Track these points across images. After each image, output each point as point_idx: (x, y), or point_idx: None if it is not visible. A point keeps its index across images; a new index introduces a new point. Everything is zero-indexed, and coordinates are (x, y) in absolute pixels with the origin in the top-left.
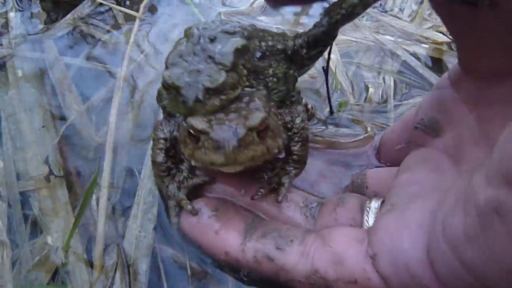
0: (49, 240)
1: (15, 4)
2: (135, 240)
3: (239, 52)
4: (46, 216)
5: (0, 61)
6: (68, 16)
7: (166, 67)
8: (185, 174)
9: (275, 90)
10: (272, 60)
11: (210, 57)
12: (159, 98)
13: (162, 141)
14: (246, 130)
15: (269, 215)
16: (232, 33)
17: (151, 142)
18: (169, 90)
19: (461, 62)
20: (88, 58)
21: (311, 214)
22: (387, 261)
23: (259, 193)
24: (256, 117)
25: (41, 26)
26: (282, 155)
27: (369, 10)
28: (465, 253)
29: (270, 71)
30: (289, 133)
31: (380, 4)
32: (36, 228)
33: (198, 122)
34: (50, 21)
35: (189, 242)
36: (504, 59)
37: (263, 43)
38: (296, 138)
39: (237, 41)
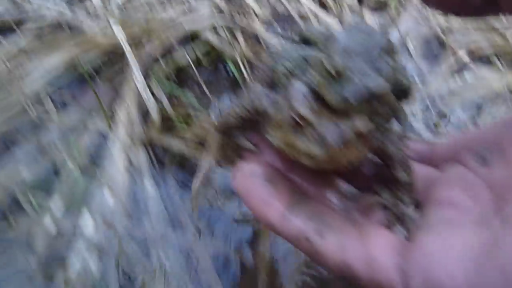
0: None
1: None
2: None
3: None
4: None
5: None
6: None
7: None
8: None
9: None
10: None
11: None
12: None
13: (246, 111)
14: (353, 133)
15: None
16: None
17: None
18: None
19: None
20: None
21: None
22: (419, 284)
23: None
24: (365, 125)
25: None
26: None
27: None
28: None
29: None
30: (384, 158)
31: None
32: None
33: (304, 109)
34: None
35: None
36: None
37: None
38: (397, 164)
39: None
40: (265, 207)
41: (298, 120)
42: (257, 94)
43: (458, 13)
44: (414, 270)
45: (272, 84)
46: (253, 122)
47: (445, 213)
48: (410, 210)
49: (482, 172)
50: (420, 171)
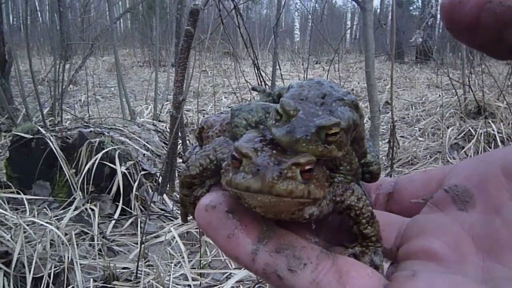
0: None
1: None
2: None
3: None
4: None
5: None
6: None
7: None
8: (205, 189)
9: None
10: None
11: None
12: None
13: (208, 160)
14: (290, 164)
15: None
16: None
17: (196, 149)
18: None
19: None
20: None
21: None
22: None
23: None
24: (304, 156)
25: None
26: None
27: None
28: None
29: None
30: (351, 215)
31: None
32: None
33: (245, 146)
34: None
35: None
36: None
37: None
38: (364, 220)
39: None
40: (232, 243)
41: (239, 158)
42: (220, 143)
43: (494, 53)
44: None
45: (233, 137)
46: (216, 173)
47: (429, 265)
48: (381, 261)
49: (462, 217)
50: (388, 220)
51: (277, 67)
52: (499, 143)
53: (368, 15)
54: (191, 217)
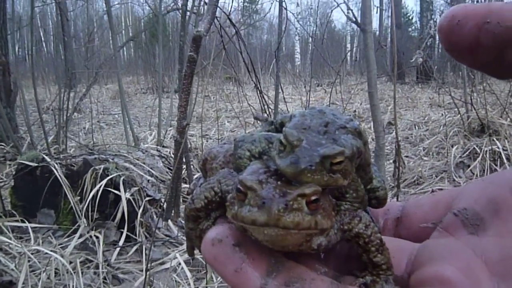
0: None
1: None
2: None
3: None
4: None
5: None
6: None
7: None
8: (211, 222)
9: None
10: None
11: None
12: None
13: (213, 192)
14: (296, 195)
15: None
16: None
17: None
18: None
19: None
20: None
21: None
22: None
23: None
24: (309, 187)
25: None
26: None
27: None
28: None
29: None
30: (360, 243)
31: None
32: None
33: (249, 179)
34: None
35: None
36: None
37: None
38: (373, 248)
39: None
40: (240, 277)
41: (244, 190)
42: (224, 175)
43: (495, 72)
44: None
45: (237, 169)
46: (221, 205)
47: None
48: None
49: (473, 242)
50: (398, 246)
51: (280, 90)
52: (505, 160)
53: (369, 36)
54: (197, 250)
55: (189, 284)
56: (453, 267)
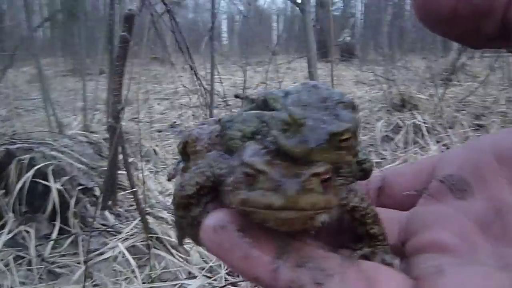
0: None
1: None
2: None
3: None
4: None
5: None
6: None
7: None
8: (201, 208)
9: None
10: None
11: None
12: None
13: (205, 177)
14: (309, 175)
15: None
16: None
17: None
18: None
19: None
20: None
21: None
22: None
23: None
24: (320, 166)
25: None
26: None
27: None
28: None
29: None
30: (356, 216)
31: None
32: None
33: (258, 161)
34: None
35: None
36: None
37: None
38: (369, 220)
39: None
40: (249, 263)
41: (253, 174)
42: (214, 158)
43: (471, 43)
44: None
45: (228, 151)
46: (213, 189)
47: (440, 259)
48: (393, 259)
49: (463, 207)
50: (386, 216)
51: (216, 70)
52: (425, 132)
53: (308, 16)
54: (187, 239)
55: (133, 271)
56: (448, 232)
